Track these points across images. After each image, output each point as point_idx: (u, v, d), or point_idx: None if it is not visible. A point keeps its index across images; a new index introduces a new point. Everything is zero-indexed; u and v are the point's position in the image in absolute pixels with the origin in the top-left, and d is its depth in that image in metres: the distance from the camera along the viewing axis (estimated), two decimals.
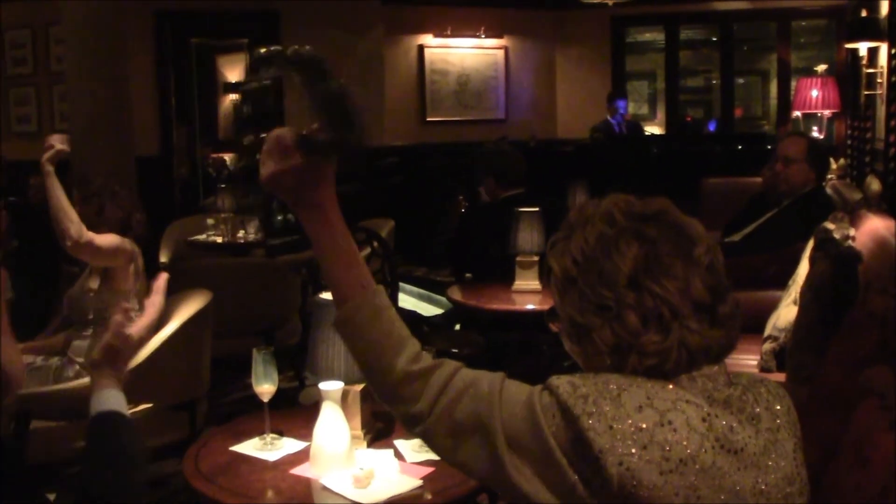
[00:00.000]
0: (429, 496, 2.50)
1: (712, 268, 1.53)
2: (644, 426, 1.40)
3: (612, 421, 1.40)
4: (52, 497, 2.94)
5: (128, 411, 1.79)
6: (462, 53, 10.17)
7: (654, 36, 12.37)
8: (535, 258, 4.66)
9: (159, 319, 1.90)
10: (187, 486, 4.32)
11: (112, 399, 1.79)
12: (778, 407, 1.55)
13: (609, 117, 9.91)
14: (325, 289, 2.92)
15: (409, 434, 2.79)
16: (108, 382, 1.81)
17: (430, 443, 1.58)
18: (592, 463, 1.39)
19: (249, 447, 2.79)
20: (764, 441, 1.49)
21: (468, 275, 5.42)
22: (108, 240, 3.96)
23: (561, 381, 1.46)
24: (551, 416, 1.44)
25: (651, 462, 1.38)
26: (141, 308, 1.85)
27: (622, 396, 1.43)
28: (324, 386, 2.57)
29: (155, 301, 1.89)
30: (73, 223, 3.86)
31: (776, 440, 1.51)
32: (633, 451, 1.38)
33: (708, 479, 1.41)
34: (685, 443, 1.40)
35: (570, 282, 1.55)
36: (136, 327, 1.83)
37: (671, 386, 1.47)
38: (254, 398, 2.83)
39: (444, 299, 6.60)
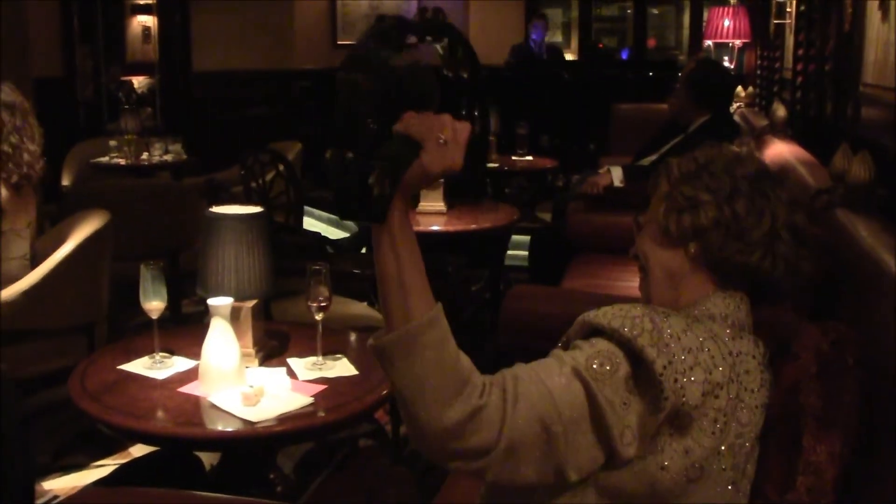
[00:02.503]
0: (322, 413, 2.47)
1: (806, 217, 1.66)
2: (691, 347, 1.47)
3: (668, 341, 1.46)
4: None
5: None
6: None
7: None
8: (441, 179, 4.62)
9: None
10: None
11: None
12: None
13: (528, 39, 9.87)
14: (219, 203, 2.86)
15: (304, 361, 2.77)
16: None
17: (493, 470, 1.44)
18: (655, 383, 1.43)
19: (138, 366, 2.73)
20: (764, 394, 1.55)
21: None
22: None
23: (605, 312, 1.51)
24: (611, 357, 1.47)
25: (696, 382, 1.45)
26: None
27: (670, 319, 1.50)
28: (213, 302, 2.52)
29: None
30: None
31: (766, 373, 1.57)
32: (684, 369, 1.44)
33: (731, 407, 1.48)
34: (719, 370, 1.48)
35: (688, 173, 1.67)
36: None
37: (700, 324, 1.55)
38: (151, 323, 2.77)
39: (351, 224, 6.56)
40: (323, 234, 5.76)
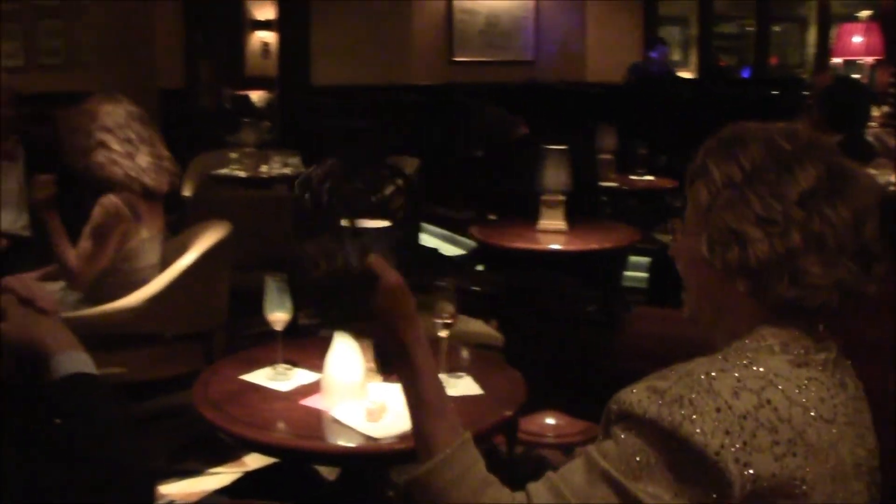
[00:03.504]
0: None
1: (875, 222, 1.41)
2: (747, 411, 1.28)
3: (716, 417, 1.26)
4: None
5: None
6: None
7: None
8: (561, 198, 4.55)
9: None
10: (201, 416, 4.33)
11: (80, 361, 1.66)
12: (853, 375, 1.46)
13: (647, 57, 9.77)
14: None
15: None
16: (70, 342, 1.68)
17: None
18: (711, 469, 1.25)
19: (261, 376, 2.72)
20: (852, 410, 1.39)
21: (491, 216, 5.34)
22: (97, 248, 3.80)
23: (639, 396, 1.33)
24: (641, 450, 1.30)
25: (763, 450, 1.26)
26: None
27: (714, 385, 1.30)
28: None
29: None
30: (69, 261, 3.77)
31: (859, 410, 1.42)
32: (744, 441, 1.26)
33: (815, 455, 1.30)
34: (789, 420, 1.29)
35: (733, 187, 1.42)
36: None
37: (755, 367, 1.34)
38: (270, 334, 2.77)
39: (466, 241, 6.53)
40: (439, 249, 5.74)
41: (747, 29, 12.53)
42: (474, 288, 4.25)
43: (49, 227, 3.84)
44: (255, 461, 4.00)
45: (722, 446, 1.25)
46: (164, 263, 3.99)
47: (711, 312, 1.51)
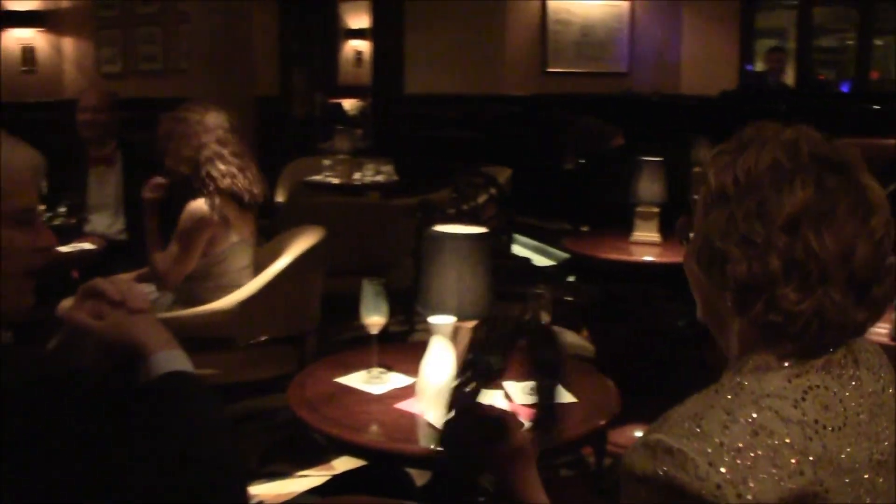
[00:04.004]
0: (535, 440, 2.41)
1: (882, 243, 1.33)
2: (740, 445, 1.23)
3: (708, 458, 1.22)
4: None
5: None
6: (587, 3, 9.94)
7: None
8: (656, 209, 4.52)
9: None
10: (293, 419, 4.37)
11: (178, 359, 1.69)
12: (877, 363, 1.39)
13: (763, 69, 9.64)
14: (432, 224, 2.86)
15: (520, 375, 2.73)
16: (167, 341, 1.70)
17: None
18: None
19: (356, 379, 2.75)
20: (869, 406, 1.33)
21: (584, 227, 5.32)
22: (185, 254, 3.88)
23: (635, 455, 1.30)
24: None
25: (766, 479, 1.22)
26: None
27: (703, 425, 1.26)
28: (434, 320, 2.50)
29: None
30: (156, 262, 3.87)
31: (882, 402, 1.35)
32: (743, 476, 1.21)
33: (826, 466, 1.25)
34: (788, 441, 1.24)
35: (723, 200, 1.37)
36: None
37: (746, 393, 1.30)
38: (362, 338, 2.80)
39: (557, 252, 6.51)
40: (531, 259, 5.74)
41: (847, 42, 12.26)
42: (566, 298, 4.24)
43: (147, 228, 3.93)
44: (343, 465, 4.03)
45: (719, 486, 1.20)
46: (259, 267, 4.03)
47: (714, 323, 1.47)
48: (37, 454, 1.41)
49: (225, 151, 3.81)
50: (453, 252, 2.57)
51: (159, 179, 3.96)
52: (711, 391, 1.33)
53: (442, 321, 2.50)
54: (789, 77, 11.75)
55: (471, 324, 2.63)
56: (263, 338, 3.97)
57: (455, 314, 2.54)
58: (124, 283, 1.75)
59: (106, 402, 1.52)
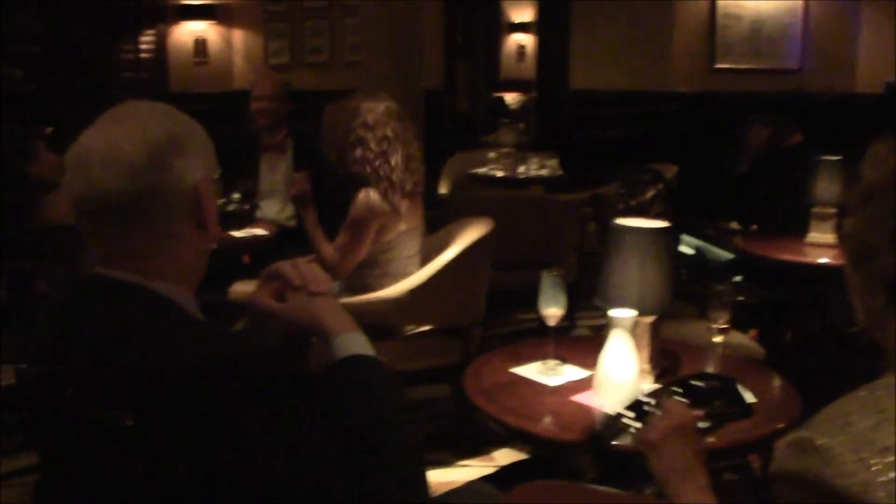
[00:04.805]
0: (712, 439, 2.37)
1: None
2: (890, 444, 1.19)
3: (856, 455, 1.19)
4: None
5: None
6: None
7: None
8: (833, 210, 4.38)
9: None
10: (454, 409, 4.40)
11: (360, 343, 1.72)
12: None
13: None
14: (613, 216, 2.84)
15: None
16: (349, 324, 1.74)
17: None
18: None
19: (531, 370, 2.75)
20: None
21: (754, 226, 5.20)
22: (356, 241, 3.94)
23: (783, 455, 1.27)
24: None
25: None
26: None
27: (852, 423, 1.23)
28: (614, 313, 2.48)
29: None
30: (325, 253, 3.94)
31: None
32: (893, 477, 1.17)
33: None
34: None
35: (875, 197, 1.34)
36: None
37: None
38: (524, 332, 2.80)
39: (722, 251, 6.37)
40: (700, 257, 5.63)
41: None
42: (739, 298, 4.14)
43: (305, 221, 4.03)
44: (503, 456, 4.05)
45: (865, 484, 1.17)
46: (427, 258, 4.07)
47: (872, 325, 1.41)
48: (231, 431, 1.46)
49: (371, 138, 3.84)
50: (635, 245, 2.55)
51: (298, 175, 4.12)
52: (864, 390, 1.30)
53: (623, 315, 2.48)
54: None
55: (649, 319, 2.61)
56: (428, 327, 4.01)
57: (636, 308, 2.52)
58: (305, 267, 1.79)
59: (296, 384, 1.56)
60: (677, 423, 1.83)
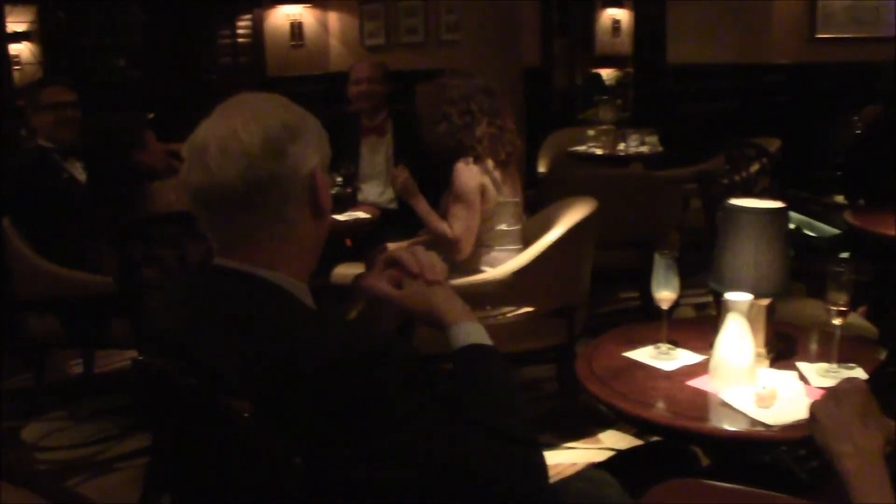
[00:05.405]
0: None
1: None
2: None
3: None
4: None
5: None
6: None
7: None
8: None
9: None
10: (559, 391, 4.38)
11: (477, 332, 1.73)
12: None
13: None
14: (719, 193, 2.79)
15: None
16: (465, 313, 1.75)
17: None
18: None
19: (644, 354, 2.73)
20: None
21: (861, 201, 5.07)
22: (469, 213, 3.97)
23: None
24: None
25: None
26: None
27: None
28: (730, 296, 2.45)
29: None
30: (446, 232, 3.97)
31: None
32: None
33: None
34: None
35: None
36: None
37: None
38: (625, 312, 2.77)
39: (827, 227, 6.24)
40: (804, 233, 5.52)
41: None
42: (838, 269, 4.04)
43: (417, 210, 4.09)
44: (609, 438, 4.03)
45: None
46: (531, 238, 4.06)
47: None
48: (374, 422, 1.47)
49: (455, 113, 3.92)
50: (750, 226, 2.51)
51: (397, 169, 4.22)
52: None
53: (738, 298, 2.44)
54: None
55: (765, 301, 2.57)
56: (532, 308, 3.99)
57: (751, 291, 2.48)
58: (423, 255, 1.80)
59: (422, 373, 1.57)
60: (842, 388, 1.65)
